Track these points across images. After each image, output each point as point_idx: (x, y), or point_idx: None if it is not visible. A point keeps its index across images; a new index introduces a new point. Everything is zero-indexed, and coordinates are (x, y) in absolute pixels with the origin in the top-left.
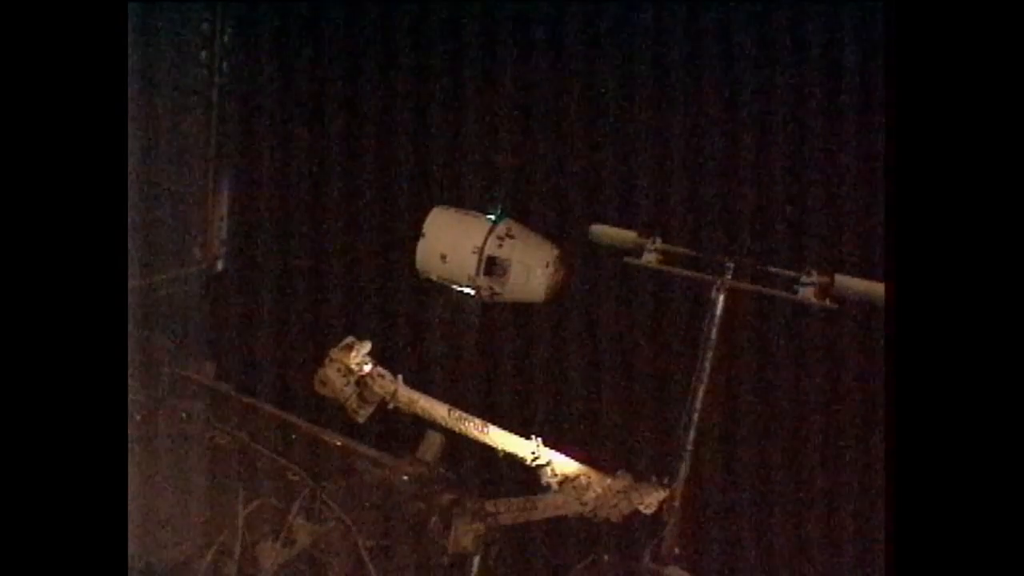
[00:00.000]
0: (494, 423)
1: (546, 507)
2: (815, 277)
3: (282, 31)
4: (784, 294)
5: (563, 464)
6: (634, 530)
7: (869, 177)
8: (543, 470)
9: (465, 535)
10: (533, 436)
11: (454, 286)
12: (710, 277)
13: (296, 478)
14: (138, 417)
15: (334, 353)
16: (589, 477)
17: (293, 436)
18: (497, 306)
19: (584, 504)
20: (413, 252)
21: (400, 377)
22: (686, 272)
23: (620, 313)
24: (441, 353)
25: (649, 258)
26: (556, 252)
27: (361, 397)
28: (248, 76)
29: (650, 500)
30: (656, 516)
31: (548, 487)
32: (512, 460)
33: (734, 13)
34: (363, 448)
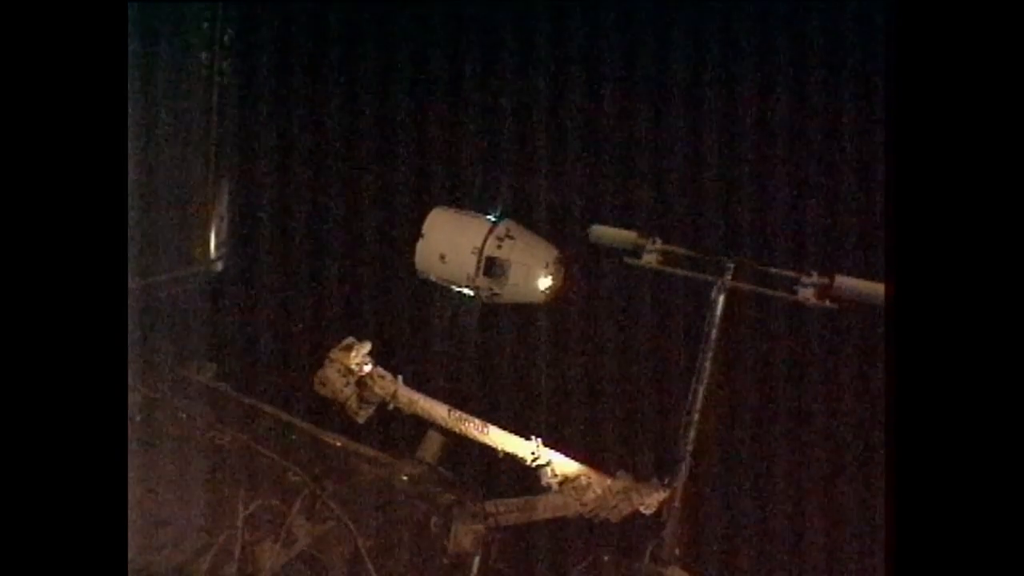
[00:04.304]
0: (494, 423)
1: (546, 507)
2: (815, 277)
3: (282, 31)
4: (784, 294)
5: (563, 464)
6: (634, 530)
7: (869, 177)
8: (543, 470)
9: (465, 535)
10: (533, 436)
11: (453, 287)
12: (710, 277)
13: (296, 478)
14: (138, 417)
15: (334, 353)
16: (589, 477)
17: (293, 436)
18: (497, 306)
19: (584, 504)
20: (413, 252)
21: (400, 377)
22: (686, 272)
23: (620, 313)
24: (441, 353)
25: (649, 258)
26: (555, 253)
27: (361, 397)
28: (248, 76)
29: (650, 500)
30: (656, 516)
31: (548, 487)
32: (512, 460)
33: (735, 13)
34: (363, 448)
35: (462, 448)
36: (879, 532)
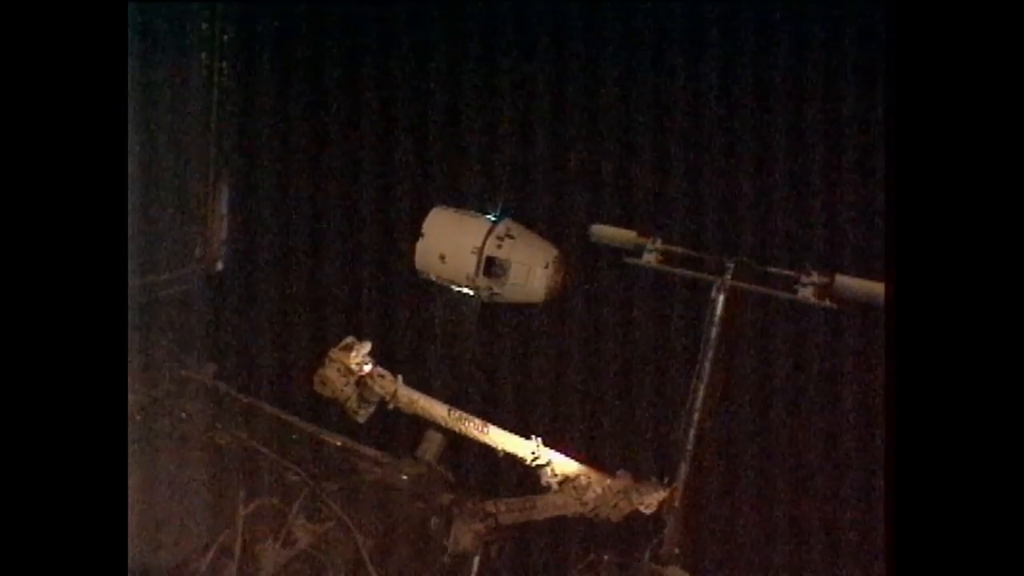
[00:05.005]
0: (494, 423)
1: (546, 507)
2: (815, 277)
3: (282, 31)
4: (784, 294)
5: (563, 464)
6: (634, 530)
7: (869, 177)
8: (543, 470)
9: (465, 535)
10: (533, 436)
11: (453, 286)
12: (710, 277)
13: (296, 478)
14: (138, 417)
15: (334, 353)
16: (589, 477)
17: (293, 436)
18: (497, 306)
19: (584, 504)
20: (413, 252)
21: (400, 377)
22: (686, 272)
23: (620, 313)
24: (441, 353)
25: (649, 258)
26: (555, 252)
27: (361, 397)
28: (248, 76)
29: (650, 500)
30: (656, 516)
31: (548, 487)
32: (512, 460)
33: (735, 12)
34: (363, 448)
35: (462, 448)
36: (879, 532)
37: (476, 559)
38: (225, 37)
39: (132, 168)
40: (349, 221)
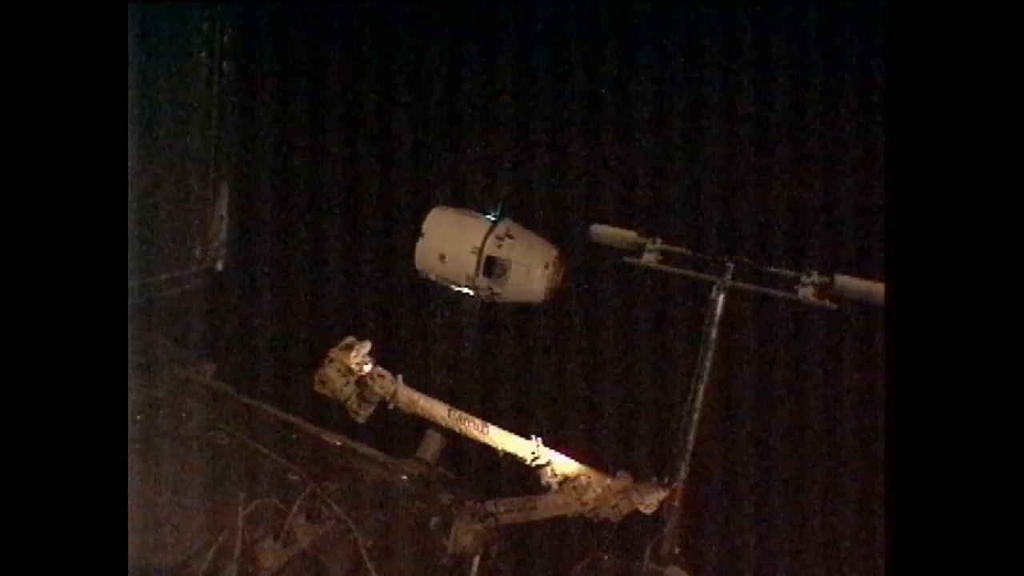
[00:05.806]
0: (494, 423)
1: (546, 507)
2: (815, 277)
3: (282, 31)
4: (784, 294)
5: (563, 464)
6: (634, 530)
7: (869, 177)
8: (543, 470)
9: (465, 535)
10: (533, 436)
11: (453, 286)
12: (710, 277)
13: (296, 478)
14: (138, 417)
15: (334, 353)
16: (589, 477)
17: (293, 436)
18: (497, 306)
19: (584, 504)
20: (413, 252)
21: (400, 377)
22: (686, 272)
23: (620, 313)
24: (441, 353)
25: (649, 258)
26: (555, 252)
27: (361, 397)
28: (248, 76)
29: (650, 500)
30: (656, 516)
31: (548, 487)
32: (512, 460)
33: (734, 12)
34: (363, 448)
35: (462, 448)
36: (879, 532)
37: (476, 559)
38: (225, 37)
39: (132, 168)
40: (349, 221)
